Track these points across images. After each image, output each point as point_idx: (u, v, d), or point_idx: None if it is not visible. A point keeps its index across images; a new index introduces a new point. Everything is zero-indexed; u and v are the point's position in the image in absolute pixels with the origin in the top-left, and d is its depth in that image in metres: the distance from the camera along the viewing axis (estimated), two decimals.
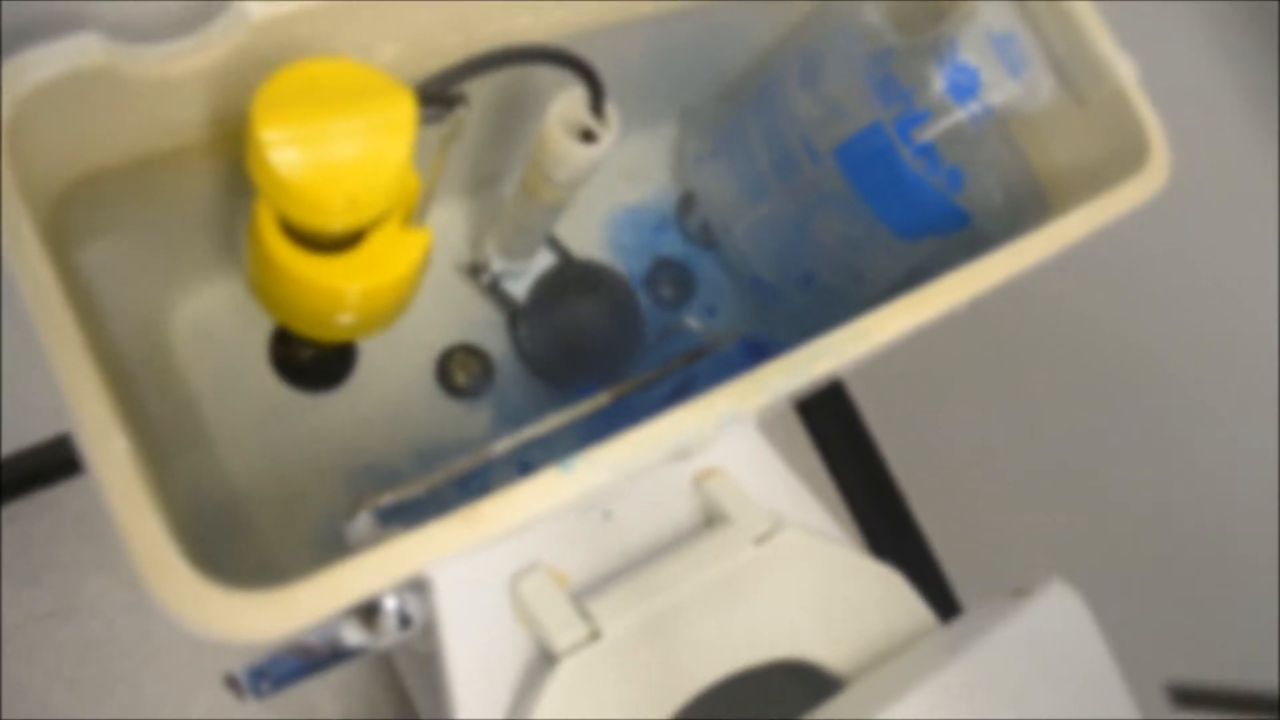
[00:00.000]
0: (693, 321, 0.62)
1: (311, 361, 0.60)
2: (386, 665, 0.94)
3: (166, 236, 0.54)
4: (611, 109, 0.51)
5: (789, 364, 0.46)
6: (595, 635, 0.58)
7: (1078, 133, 0.63)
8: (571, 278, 0.65)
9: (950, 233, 0.63)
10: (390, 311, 0.49)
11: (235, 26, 0.41)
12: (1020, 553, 1.12)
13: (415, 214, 0.46)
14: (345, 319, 0.49)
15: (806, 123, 0.64)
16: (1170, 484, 0.92)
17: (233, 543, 0.57)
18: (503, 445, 0.46)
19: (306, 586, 0.36)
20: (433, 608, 0.45)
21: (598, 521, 0.63)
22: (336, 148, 0.38)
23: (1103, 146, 0.61)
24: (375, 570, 0.37)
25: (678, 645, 0.61)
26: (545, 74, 0.49)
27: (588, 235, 0.70)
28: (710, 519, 0.66)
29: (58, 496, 0.98)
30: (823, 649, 0.64)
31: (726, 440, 0.57)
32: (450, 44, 0.50)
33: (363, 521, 0.40)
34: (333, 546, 0.60)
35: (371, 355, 0.62)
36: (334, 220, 0.40)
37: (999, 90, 0.59)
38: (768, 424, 0.56)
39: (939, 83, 0.59)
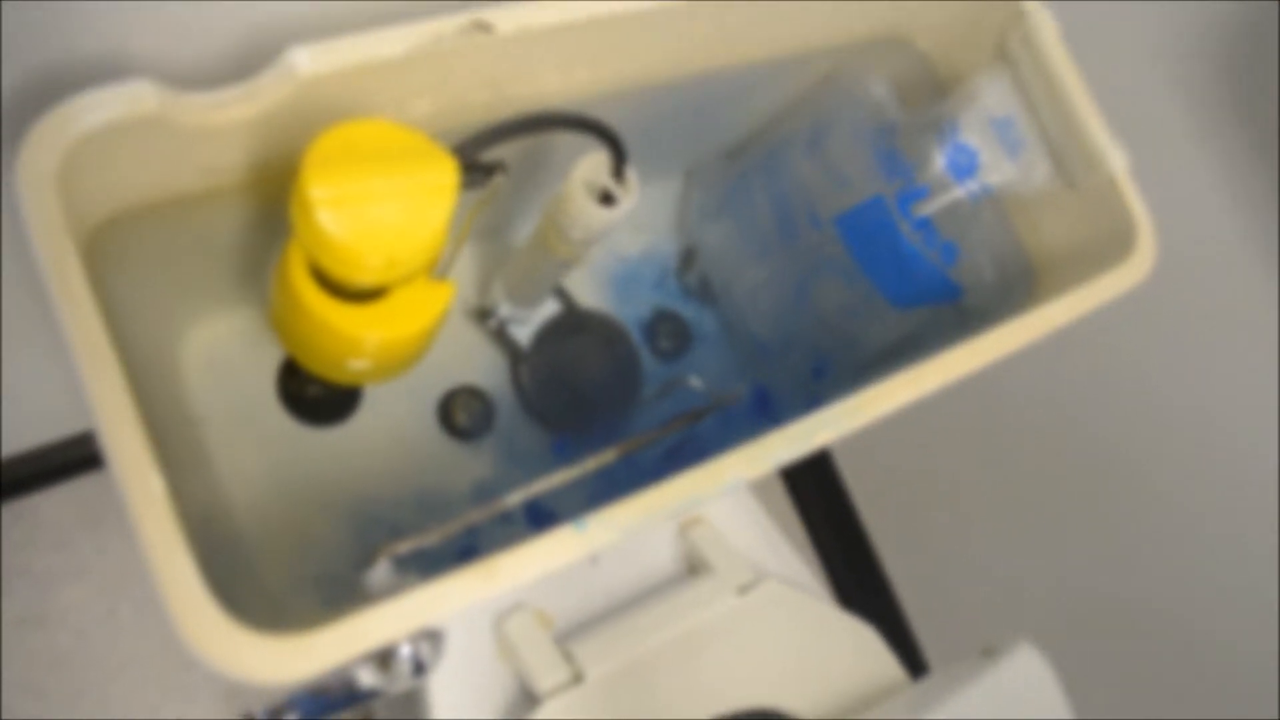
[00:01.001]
0: (695, 381, 0.64)
1: (319, 396, 0.61)
2: None
3: (187, 268, 0.55)
4: (631, 174, 0.52)
5: (792, 434, 0.48)
6: (578, 678, 0.59)
7: (1069, 216, 0.65)
8: (574, 326, 0.67)
9: (942, 304, 0.65)
10: (406, 361, 0.50)
11: (284, 79, 0.43)
12: (988, 613, 1.14)
13: (439, 267, 0.48)
14: (361, 365, 0.50)
15: (811, 190, 0.66)
16: (1139, 553, 0.95)
17: (231, 571, 0.58)
18: (515, 498, 0.47)
19: (329, 632, 0.37)
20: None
21: (584, 566, 0.64)
22: (380, 209, 0.39)
23: (1092, 231, 0.64)
24: (394, 619, 0.38)
25: (658, 691, 0.62)
26: (564, 133, 0.51)
27: (591, 283, 0.72)
28: (693, 567, 0.68)
29: (33, 505, 0.98)
30: (796, 700, 0.65)
31: None
32: (480, 101, 0.51)
33: (381, 569, 0.41)
34: (331, 581, 0.61)
35: (376, 392, 0.64)
36: (370, 276, 0.41)
37: (996, 171, 0.62)
38: None
39: (940, 160, 0.62)
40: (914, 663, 1.21)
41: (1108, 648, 0.99)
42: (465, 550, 0.63)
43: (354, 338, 0.46)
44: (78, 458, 0.98)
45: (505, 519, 0.60)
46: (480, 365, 0.67)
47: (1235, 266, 0.79)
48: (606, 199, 0.53)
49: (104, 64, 0.45)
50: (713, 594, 0.65)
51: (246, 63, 0.48)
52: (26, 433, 0.91)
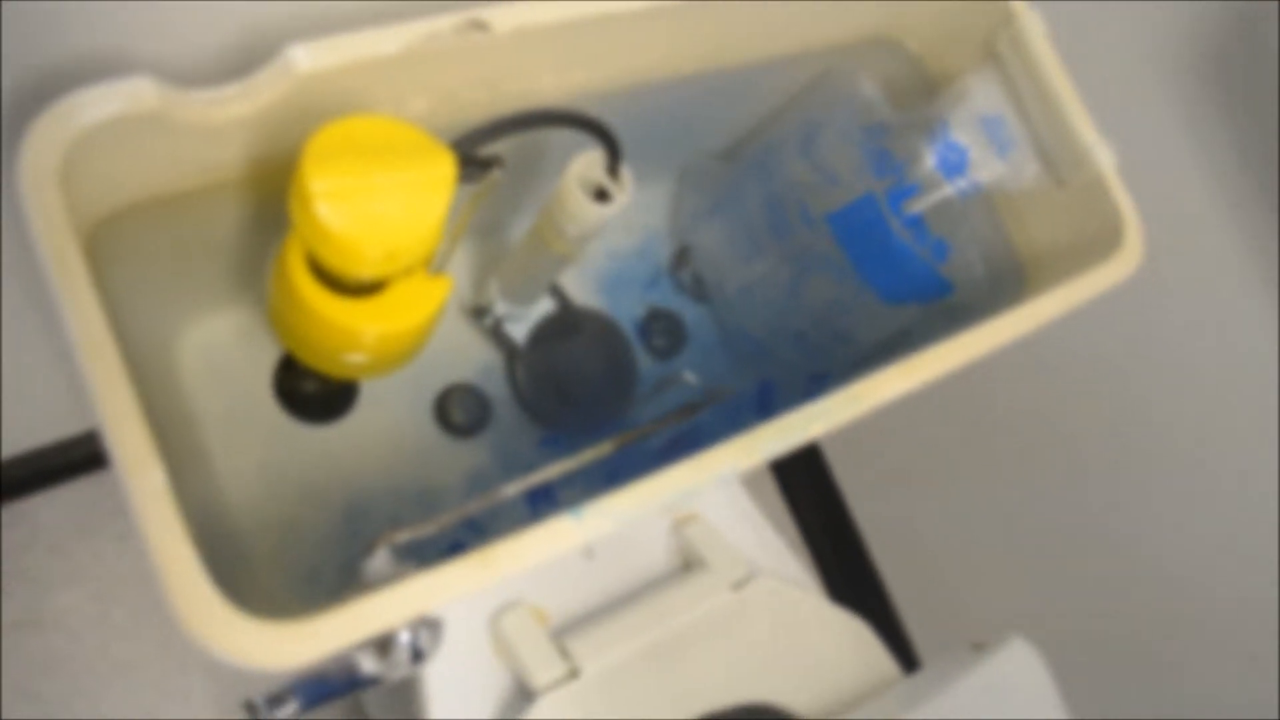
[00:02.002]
0: (690, 377, 0.65)
1: (315, 393, 0.61)
2: (350, 698, 0.95)
3: (185, 264, 0.55)
4: (626, 171, 0.53)
5: (785, 425, 0.49)
6: (574, 673, 0.59)
7: (1057, 213, 0.66)
8: (570, 324, 0.67)
9: (933, 300, 0.66)
10: (403, 355, 0.51)
11: (282, 76, 0.43)
12: (979, 607, 1.14)
13: (437, 262, 0.48)
14: (359, 359, 0.51)
15: (802, 188, 0.67)
16: (1129, 544, 0.95)
17: (229, 565, 0.58)
18: (512, 489, 0.48)
19: (329, 618, 0.37)
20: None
21: (579, 561, 0.64)
22: (379, 202, 0.40)
23: (1080, 228, 0.65)
24: (393, 606, 0.38)
25: (653, 686, 0.62)
26: (559, 131, 0.51)
27: (585, 282, 0.73)
28: (688, 563, 0.68)
29: (31, 508, 0.98)
30: (790, 695, 0.66)
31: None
32: (476, 99, 0.52)
33: (380, 558, 0.42)
34: (328, 575, 0.62)
35: (372, 390, 0.64)
36: (368, 269, 0.42)
37: (986, 169, 0.62)
38: None
39: (930, 159, 0.62)
40: (906, 657, 1.21)
41: (1099, 640, 1.00)
42: (454, 547, 0.63)
43: (352, 331, 0.47)
44: (75, 461, 0.98)
45: (501, 513, 0.60)
46: (476, 363, 0.68)
47: (1222, 259, 0.80)
48: (601, 196, 0.54)
49: (103, 62, 0.45)
50: (707, 590, 0.66)
51: (245, 60, 0.48)
52: (23, 435, 0.92)
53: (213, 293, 0.59)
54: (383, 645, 0.42)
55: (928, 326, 0.67)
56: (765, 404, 0.76)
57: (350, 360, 0.51)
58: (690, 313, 0.76)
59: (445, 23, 0.45)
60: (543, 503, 0.66)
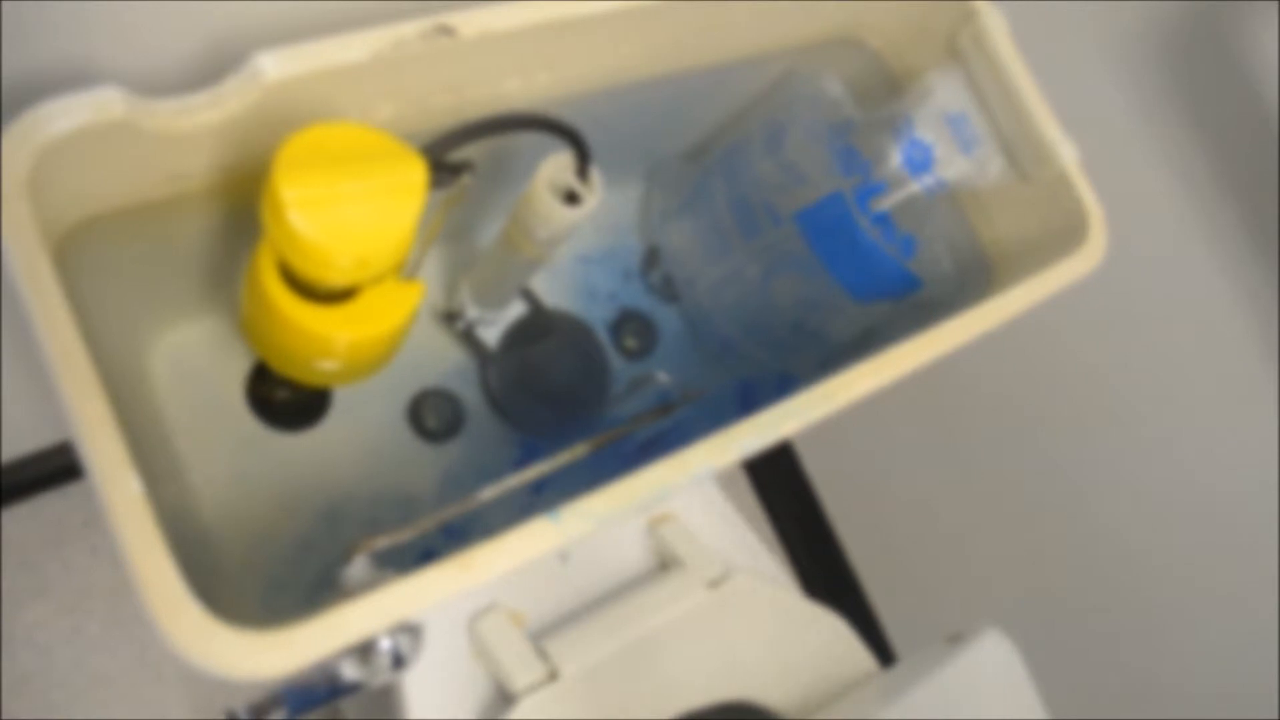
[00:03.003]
0: (663, 377, 0.65)
1: (287, 401, 0.61)
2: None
3: (155, 272, 0.55)
4: (595, 173, 0.53)
5: (758, 424, 0.49)
6: (553, 675, 0.59)
7: (1022, 208, 0.67)
8: (541, 326, 0.67)
9: (902, 296, 0.67)
10: (376, 362, 0.51)
11: (250, 85, 0.43)
12: (954, 600, 1.15)
13: (408, 268, 0.48)
14: (332, 366, 0.51)
15: (770, 188, 0.67)
16: (1102, 534, 0.97)
17: (203, 575, 0.58)
18: (489, 493, 0.48)
19: (309, 626, 0.37)
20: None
21: (555, 564, 0.65)
22: (351, 209, 0.40)
23: (1045, 222, 0.66)
24: (373, 613, 0.38)
25: (632, 686, 0.63)
26: (528, 135, 0.52)
27: (556, 285, 0.73)
28: (664, 563, 0.69)
29: None
30: (769, 691, 0.66)
31: None
32: (443, 104, 0.52)
33: (359, 565, 0.42)
34: (302, 583, 0.61)
35: (345, 397, 0.64)
36: (341, 276, 0.42)
37: (951, 166, 0.63)
38: None
39: (896, 157, 0.63)
40: (882, 652, 1.22)
41: (1073, 630, 1.01)
42: (425, 554, 0.63)
43: (325, 338, 0.47)
44: (43, 475, 0.97)
45: (477, 516, 0.60)
46: (449, 367, 0.68)
47: (1183, 251, 0.81)
48: (571, 198, 0.54)
49: (69, 72, 0.45)
50: (684, 589, 0.66)
51: (211, 69, 0.48)
52: None
53: (184, 301, 0.59)
54: (364, 651, 0.42)
55: (897, 322, 0.68)
56: (747, 404, 0.77)
57: (323, 367, 0.51)
58: (661, 313, 0.77)
59: (411, 29, 0.46)
60: (535, 499, 0.66)
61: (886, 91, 0.72)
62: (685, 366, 0.76)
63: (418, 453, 0.66)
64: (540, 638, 0.61)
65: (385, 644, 0.42)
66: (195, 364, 0.61)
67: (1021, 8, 0.67)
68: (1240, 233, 0.78)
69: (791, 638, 0.70)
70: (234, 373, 0.62)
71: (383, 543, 0.42)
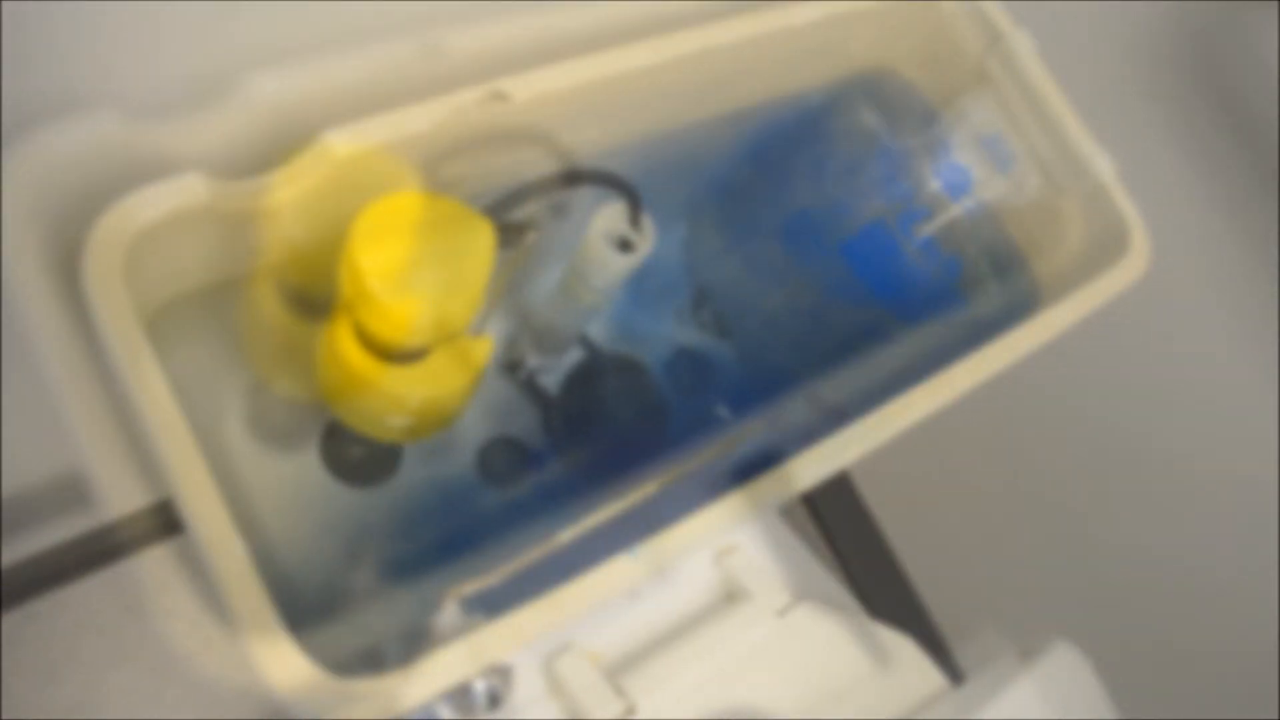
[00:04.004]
0: (722, 412, 0.67)
1: (361, 458, 0.63)
2: None
3: (232, 342, 0.57)
4: (647, 221, 0.55)
5: (822, 453, 0.50)
6: (631, 710, 0.60)
7: (1063, 223, 0.68)
8: (600, 370, 0.69)
9: (951, 317, 0.68)
10: (448, 416, 0.53)
11: (321, 161, 0.45)
12: (1019, 614, 1.15)
13: (476, 324, 0.50)
14: (406, 422, 0.53)
15: (814, 221, 0.69)
16: (1161, 541, 0.96)
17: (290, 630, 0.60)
18: (567, 535, 0.49)
19: (409, 673, 0.39)
20: None
21: (625, 601, 0.66)
22: (425, 274, 0.42)
23: (1087, 235, 0.67)
24: (467, 656, 0.40)
25: (709, 717, 0.63)
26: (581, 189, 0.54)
27: (611, 329, 0.75)
28: (730, 594, 0.70)
29: (79, 592, 0.99)
30: (845, 716, 0.67)
31: None
32: (500, 165, 0.54)
33: (449, 611, 0.43)
34: (381, 634, 0.63)
35: (416, 451, 0.66)
36: (417, 338, 0.44)
37: (989, 187, 0.64)
38: None
39: (935, 182, 0.64)
40: (951, 669, 1.21)
41: (1141, 639, 1.00)
42: (488, 599, 0.64)
43: (401, 397, 0.49)
44: (117, 543, 1.00)
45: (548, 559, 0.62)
46: (513, 416, 0.70)
47: (1226, 255, 0.82)
48: (625, 246, 0.56)
49: (152, 162, 0.48)
50: (753, 618, 0.67)
51: (278, 145, 0.51)
52: (69, 522, 0.93)
53: (260, 366, 0.61)
54: (459, 694, 0.43)
55: (947, 344, 0.69)
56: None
57: (398, 424, 0.53)
58: (714, 350, 0.78)
59: (469, 96, 0.48)
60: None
61: (921, 118, 0.73)
62: (743, 400, 0.77)
63: (488, 500, 0.67)
64: (616, 674, 0.62)
65: (480, 686, 0.44)
66: (270, 425, 0.63)
67: (1047, 25, 0.68)
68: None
69: (862, 661, 0.70)
70: (308, 433, 0.64)
71: (470, 589, 0.44)
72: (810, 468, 0.50)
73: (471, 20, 0.52)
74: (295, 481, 0.63)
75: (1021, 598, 1.14)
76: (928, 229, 0.65)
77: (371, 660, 0.61)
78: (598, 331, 0.73)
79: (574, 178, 0.49)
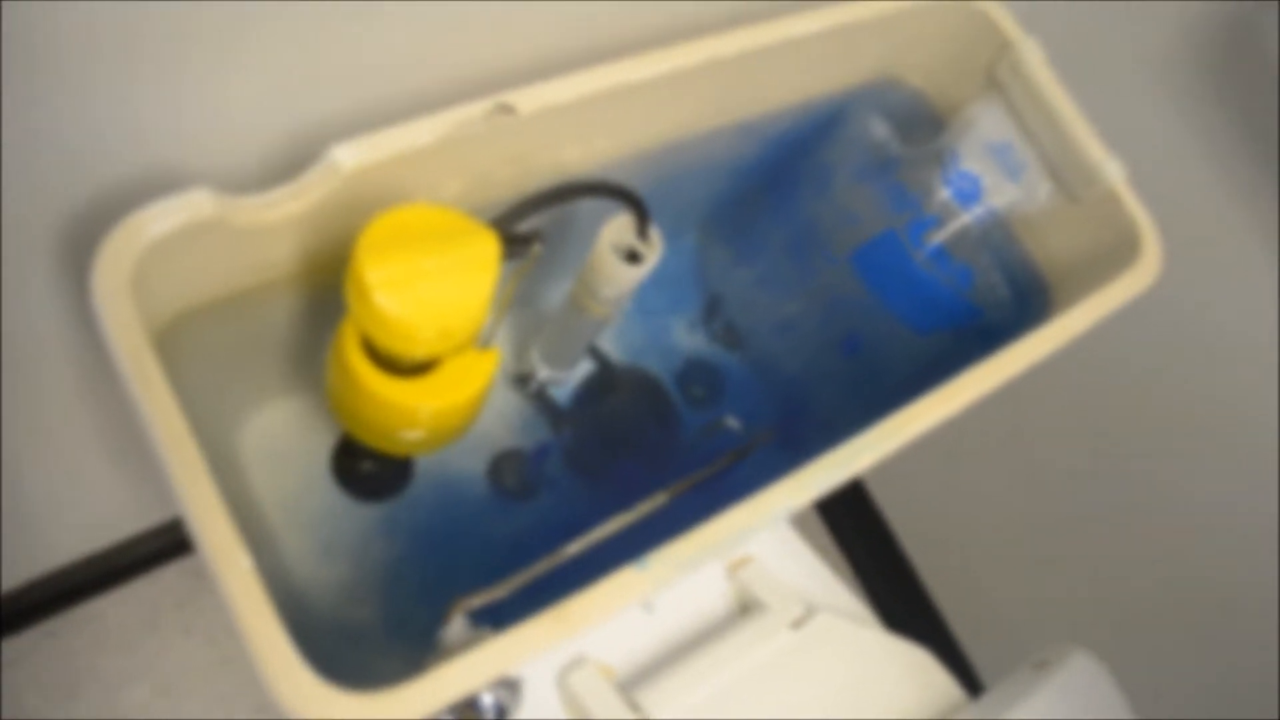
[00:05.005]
0: (732, 422, 0.66)
1: (372, 472, 0.63)
2: None
3: (244, 356, 0.57)
4: (655, 232, 0.55)
5: (833, 461, 0.50)
6: None
7: (1075, 229, 0.68)
8: (610, 382, 0.69)
9: (963, 326, 0.68)
10: (458, 429, 0.53)
11: (328, 176, 0.46)
12: (1035, 624, 1.14)
13: (483, 337, 0.50)
14: (416, 435, 0.53)
15: (823, 230, 0.69)
16: (1176, 548, 0.96)
17: (298, 641, 0.60)
18: (575, 547, 0.49)
19: (416, 685, 0.39)
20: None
21: (639, 614, 0.66)
22: (430, 286, 0.42)
23: (1099, 240, 0.66)
24: (476, 669, 0.40)
25: None
26: (588, 199, 0.54)
27: (622, 341, 0.75)
28: (745, 606, 0.69)
29: (98, 609, 1.00)
30: None
31: None
32: (507, 177, 0.54)
33: (456, 624, 0.43)
34: (391, 646, 0.63)
35: (427, 464, 0.66)
36: (423, 349, 0.44)
37: (1000, 194, 0.64)
38: None
39: (944, 190, 0.64)
40: (968, 680, 1.21)
41: (1157, 647, 0.99)
42: (498, 611, 0.64)
43: (409, 409, 0.49)
44: (137, 560, 1.01)
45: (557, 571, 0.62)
46: (524, 428, 0.70)
47: (1237, 257, 0.81)
48: (633, 257, 0.56)
49: (162, 176, 0.48)
50: (767, 631, 0.66)
51: (289, 162, 0.51)
52: (84, 539, 0.94)
53: (270, 381, 0.62)
54: (467, 707, 0.43)
55: (962, 351, 0.68)
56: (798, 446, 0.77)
57: (408, 437, 0.53)
58: (725, 360, 0.78)
59: (475, 110, 0.48)
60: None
61: (930, 127, 0.73)
62: (754, 411, 0.77)
63: (500, 512, 0.67)
64: (630, 688, 0.62)
65: (488, 699, 0.44)
66: (282, 440, 0.63)
67: (1055, 32, 0.68)
68: None
69: (878, 672, 0.70)
70: (319, 447, 0.64)
71: (477, 602, 0.44)
72: (822, 476, 0.50)
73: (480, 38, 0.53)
74: (306, 496, 0.64)
75: (1040, 608, 1.13)
76: (938, 237, 0.65)
77: (380, 673, 0.61)
78: (608, 343, 0.73)
79: (579, 189, 0.49)
